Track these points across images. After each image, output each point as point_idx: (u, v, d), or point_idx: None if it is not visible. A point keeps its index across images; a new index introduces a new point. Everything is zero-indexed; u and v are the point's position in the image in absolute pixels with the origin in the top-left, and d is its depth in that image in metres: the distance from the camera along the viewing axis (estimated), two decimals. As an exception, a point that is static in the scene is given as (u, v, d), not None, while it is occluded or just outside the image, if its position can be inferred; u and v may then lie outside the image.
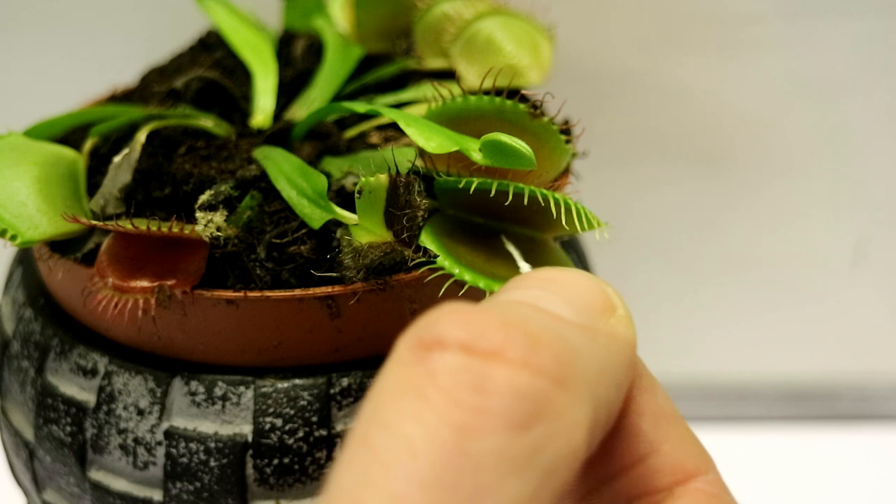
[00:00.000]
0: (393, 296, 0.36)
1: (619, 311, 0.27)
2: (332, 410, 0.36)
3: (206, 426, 0.37)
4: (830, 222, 0.66)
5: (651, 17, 0.62)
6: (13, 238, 0.37)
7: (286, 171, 0.38)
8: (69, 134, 0.43)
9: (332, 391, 0.36)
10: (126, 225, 0.35)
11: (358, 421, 0.23)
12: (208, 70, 0.47)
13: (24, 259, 0.44)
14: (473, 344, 0.23)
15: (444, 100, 0.37)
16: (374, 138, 0.44)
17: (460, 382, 0.22)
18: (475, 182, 0.33)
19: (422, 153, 0.36)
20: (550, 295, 0.26)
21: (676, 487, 0.27)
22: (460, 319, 0.23)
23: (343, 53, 0.48)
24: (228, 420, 0.36)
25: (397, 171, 0.34)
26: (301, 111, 0.45)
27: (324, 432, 0.36)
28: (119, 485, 0.38)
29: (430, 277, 0.34)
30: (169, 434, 0.37)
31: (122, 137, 0.42)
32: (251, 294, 0.35)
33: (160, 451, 0.37)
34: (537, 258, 0.36)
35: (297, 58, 0.50)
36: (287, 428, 0.36)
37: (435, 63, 0.47)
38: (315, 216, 0.36)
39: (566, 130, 0.37)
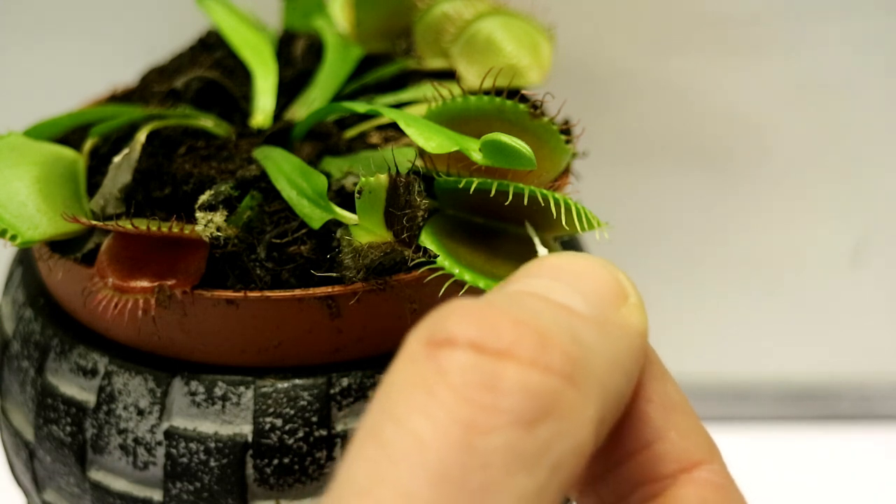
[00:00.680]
0: (393, 296, 0.36)
1: (631, 299, 0.27)
2: (332, 410, 0.36)
3: (206, 426, 0.37)
4: (830, 222, 0.66)
5: (651, 18, 0.62)
6: (13, 238, 0.37)
7: (286, 171, 0.38)
8: (69, 134, 0.43)
9: (332, 391, 0.36)
10: (126, 225, 0.35)
11: (367, 415, 0.23)
12: (208, 70, 0.47)
13: (24, 259, 0.44)
14: (484, 342, 0.23)
15: (444, 100, 0.37)
16: (374, 138, 0.44)
17: (470, 380, 0.23)
18: (475, 182, 0.33)
19: (422, 153, 0.36)
20: (562, 285, 0.26)
21: (681, 475, 0.27)
22: (471, 317, 0.24)
23: (343, 53, 0.48)
24: (228, 420, 0.36)
25: (397, 171, 0.34)
26: (301, 111, 0.45)
27: (324, 432, 0.36)
28: (119, 485, 0.38)
29: (430, 277, 0.34)
30: (169, 434, 0.37)
31: (122, 137, 0.42)
32: (251, 294, 0.35)
33: (160, 451, 0.37)
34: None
35: (297, 58, 0.50)
36: (287, 428, 0.36)
37: (435, 63, 0.47)
38: (315, 216, 0.36)
39: (566, 130, 0.37)
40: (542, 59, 0.45)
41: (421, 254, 0.34)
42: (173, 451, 0.37)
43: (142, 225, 0.35)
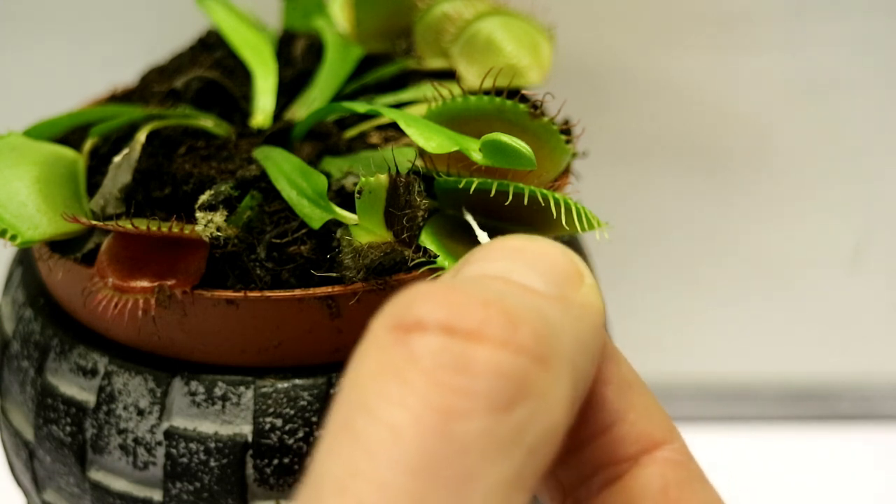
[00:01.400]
0: (393, 296, 0.36)
1: (587, 280, 0.26)
2: (332, 410, 0.36)
3: (206, 426, 0.37)
4: (830, 222, 0.66)
5: (651, 17, 0.62)
6: (13, 238, 0.37)
7: (286, 171, 0.38)
8: (69, 134, 0.43)
9: (332, 391, 0.36)
10: (126, 225, 0.35)
11: (337, 406, 0.23)
12: (208, 70, 0.47)
13: (24, 259, 0.44)
14: (454, 324, 0.23)
15: (444, 100, 0.37)
16: (374, 138, 0.44)
17: (442, 364, 0.22)
18: (475, 182, 0.33)
19: (422, 153, 0.36)
20: (521, 266, 0.25)
21: (642, 456, 0.27)
22: (439, 300, 0.23)
23: (343, 53, 0.48)
24: (228, 420, 0.36)
25: (397, 171, 0.34)
26: (301, 111, 0.45)
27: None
28: (119, 485, 0.38)
29: (430, 278, 0.34)
30: (169, 434, 0.37)
31: (122, 137, 0.42)
32: (251, 294, 0.35)
33: (160, 452, 0.37)
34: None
35: (297, 58, 0.50)
36: (287, 428, 0.36)
37: (435, 63, 0.47)
38: (315, 216, 0.36)
39: (566, 130, 0.37)
40: (542, 59, 0.45)
41: (421, 254, 0.34)
42: (173, 451, 0.37)
43: (142, 225, 0.35)
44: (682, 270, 0.67)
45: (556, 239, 0.37)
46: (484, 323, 0.23)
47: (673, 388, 0.68)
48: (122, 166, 0.39)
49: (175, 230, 0.35)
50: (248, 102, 0.46)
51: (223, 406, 0.37)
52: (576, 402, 0.25)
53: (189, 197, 0.39)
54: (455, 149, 0.34)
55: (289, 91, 0.48)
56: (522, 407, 0.22)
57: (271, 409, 0.36)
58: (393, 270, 0.36)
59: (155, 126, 0.41)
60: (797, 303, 0.68)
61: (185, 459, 0.37)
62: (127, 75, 0.51)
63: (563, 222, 0.33)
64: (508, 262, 0.26)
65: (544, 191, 0.33)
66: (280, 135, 0.43)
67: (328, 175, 0.39)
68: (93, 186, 0.40)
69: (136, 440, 0.37)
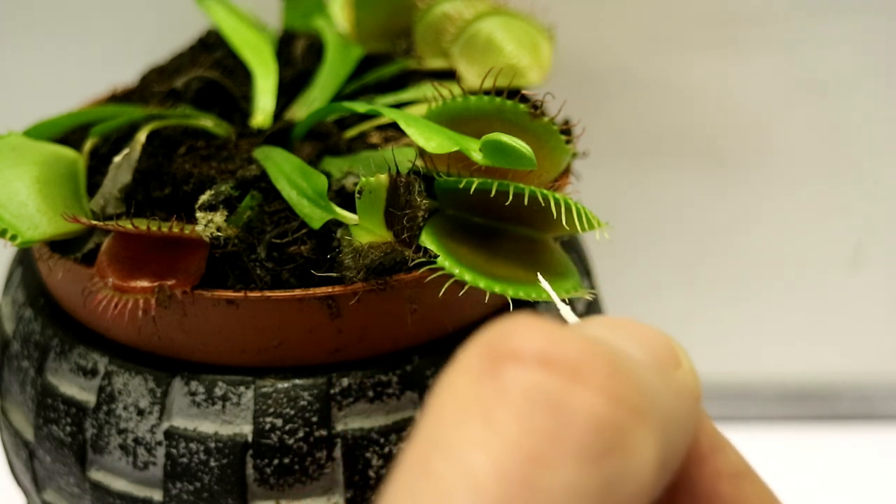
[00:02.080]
0: (393, 296, 0.36)
1: (685, 365, 0.25)
2: (332, 410, 0.36)
3: (206, 426, 0.37)
4: (830, 222, 0.66)
5: (651, 17, 0.62)
6: (13, 238, 0.37)
7: (286, 171, 0.38)
8: (69, 134, 0.43)
9: (332, 391, 0.36)
10: (126, 225, 0.35)
11: (416, 439, 0.21)
12: (208, 70, 0.47)
13: (24, 259, 0.44)
14: (553, 359, 0.21)
15: (445, 100, 0.37)
16: (375, 138, 0.44)
17: (535, 403, 0.20)
18: (475, 182, 0.33)
19: (422, 153, 0.36)
20: (622, 337, 0.24)
21: None
22: (540, 332, 0.21)
23: (343, 53, 0.48)
24: (228, 420, 0.36)
25: (397, 171, 0.34)
26: (301, 111, 0.45)
27: (324, 432, 0.36)
28: (119, 485, 0.38)
29: (430, 277, 0.34)
30: (169, 434, 0.37)
31: (122, 137, 0.42)
32: (251, 294, 0.35)
33: (160, 452, 0.37)
34: (537, 258, 0.36)
35: (297, 58, 0.50)
36: (287, 428, 0.36)
37: (435, 63, 0.47)
38: (315, 216, 0.36)
39: (566, 130, 0.37)
40: (542, 59, 0.45)
41: (421, 254, 0.34)
42: (173, 451, 0.37)
43: (142, 225, 0.35)
44: (682, 270, 0.67)
45: (556, 239, 0.37)
46: (586, 364, 0.21)
47: (673, 388, 0.68)
48: (122, 166, 0.39)
49: (175, 230, 0.35)
50: (248, 102, 0.46)
51: (223, 406, 0.37)
52: (664, 471, 0.23)
53: (189, 197, 0.39)
54: (455, 149, 0.34)
55: (289, 91, 0.48)
56: (613, 461, 0.21)
57: (271, 409, 0.36)
58: (393, 270, 0.36)
59: (155, 126, 0.41)
60: (797, 303, 0.68)
61: (185, 459, 0.37)
62: (127, 75, 0.51)
63: (564, 222, 0.33)
64: (608, 329, 0.24)
65: (544, 191, 0.33)
66: (280, 135, 0.43)
67: (328, 175, 0.39)
68: (93, 186, 0.40)
69: (136, 440, 0.37)
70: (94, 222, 0.36)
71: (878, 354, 0.69)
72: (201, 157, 0.41)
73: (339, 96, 0.46)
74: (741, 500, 0.26)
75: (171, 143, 0.42)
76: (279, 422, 0.36)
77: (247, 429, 0.36)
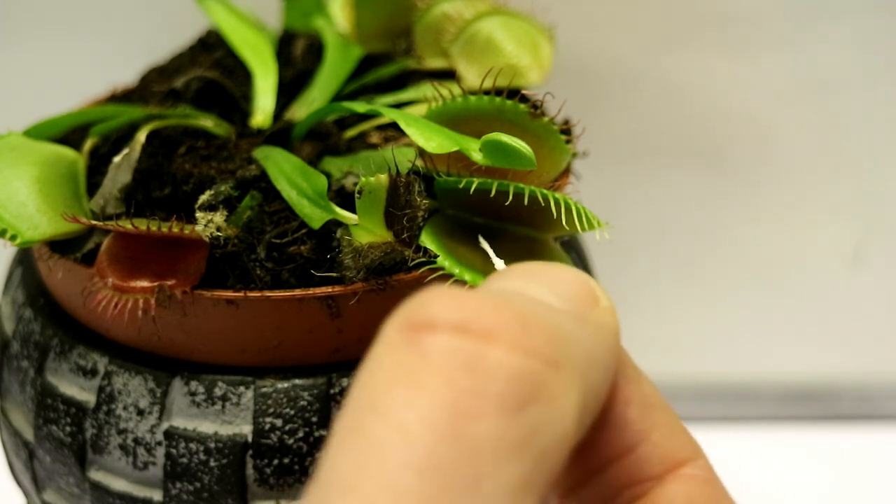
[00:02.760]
0: (393, 296, 0.36)
1: (602, 303, 0.27)
2: (332, 410, 0.36)
3: (206, 426, 0.37)
4: (830, 222, 0.66)
5: (651, 17, 0.62)
6: (13, 238, 0.37)
7: (286, 171, 0.38)
8: (69, 134, 0.43)
9: (332, 391, 0.36)
10: (126, 225, 0.35)
11: (346, 408, 0.23)
12: (208, 70, 0.47)
13: (24, 259, 0.44)
14: (466, 325, 0.23)
15: (444, 100, 0.37)
16: (374, 138, 0.44)
17: (454, 364, 0.22)
18: (475, 182, 0.33)
19: (422, 153, 0.36)
20: (536, 285, 0.26)
21: (667, 475, 0.27)
22: (451, 302, 0.23)
23: (343, 53, 0.48)
24: (228, 420, 0.36)
25: (397, 171, 0.34)
26: (301, 111, 0.45)
27: (324, 432, 0.36)
28: (119, 485, 0.38)
29: (430, 277, 0.34)
30: (169, 434, 0.37)
31: (122, 137, 0.42)
32: (251, 294, 0.35)
33: (160, 452, 0.37)
34: (537, 258, 0.36)
35: (297, 58, 0.50)
36: (287, 428, 0.36)
37: (435, 63, 0.47)
38: (315, 216, 0.36)
39: (566, 130, 0.37)
40: (542, 59, 0.45)
41: (421, 254, 0.34)
42: (173, 451, 0.37)
43: (142, 225, 0.35)
44: (682, 270, 0.67)
45: (557, 239, 0.37)
46: (497, 324, 0.23)
47: (673, 388, 0.68)
48: (122, 166, 0.39)
49: (175, 230, 0.35)
50: (248, 102, 0.46)
51: (223, 406, 0.37)
52: (586, 413, 0.25)
53: (189, 197, 0.39)
54: (455, 149, 0.34)
55: (289, 91, 0.48)
56: (534, 409, 0.22)
57: (271, 409, 0.36)
58: (393, 270, 0.36)
59: (155, 126, 0.41)
60: (797, 303, 0.68)
61: (184, 459, 0.37)
62: (127, 75, 0.51)
63: (563, 222, 0.33)
64: (524, 281, 0.26)
65: (544, 191, 0.33)
66: (280, 135, 0.43)
67: (328, 175, 0.39)
68: (93, 186, 0.40)
69: (136, 440, 0.37)
70: (94, 222, 0.36)
71: (878, 354, 0.69)
72: (201, 157, 0.41)
73: (339, 96, 0.46)
74: (647, 426, 0.27)
75: (171, 143, 0.42)
76: (279, 422, 0.36)
77: (247, 429, 0.36)
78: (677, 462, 0.27)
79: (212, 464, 0.36)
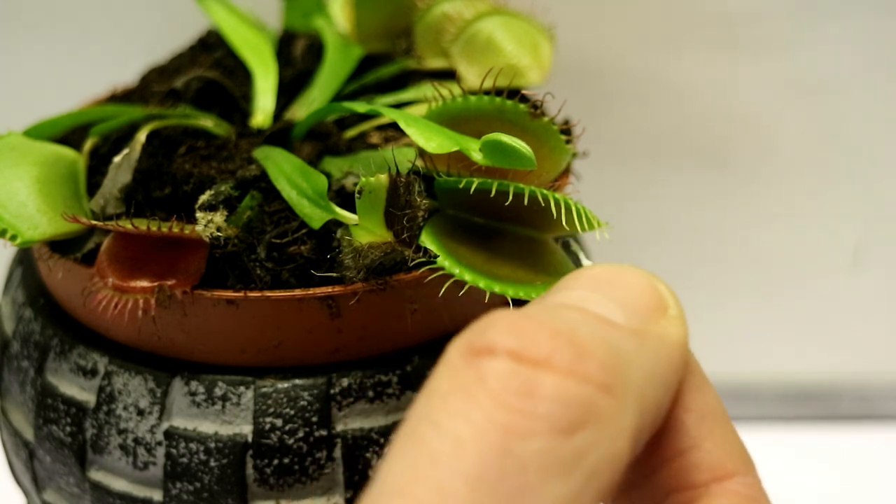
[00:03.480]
0: (393, 296, 0.36)
1: (671, 311, 0.27)
2: (332, 410, 0.36)
3: (206, 426, 0.37)
4: (830, 222, 0.66)
5: (651, 17, 0.62)
6: (13, 238, 0.37)
7: (286, 171, 0.38)
8: (69, 134, 0.43)
9: (332, 391, 0.36)
10: (126, 225, 0.35)
11: (406, 421, 0.24)
12: (208, 70, 0.47)
13: (24, 259, 0.44)
14: (522, 352, 0.24)
15: (445, 100, 0.37)
16: (375, 138, 0.44)
17: (508, 386, 0.23)
18: (475, 182, 0.33)
19: (422, 153, 0.36)
20: (600, 296, 0.26)
21: (713, 485, 0.27)
22: (510, 327, 0.24)
23: (343, 53, 0.48)
24: (228, 420, 0.36)
25: (397, 171, 0.34)
26: (301, 111, 0.45)
27: (324, 432, 0.36)
28: (119, 485, 0.38)
29: (430, 277, 0.34)
30: (169, 434, 0.37)
31: (122, 137, 0.42)
32: (251, 294, 0.35)
33: (160, 452, 0.37)
34: (537, 258, 0.36)
35: (297, 58, 0.50)
36: (287, 428, 0.36)
37: (435, 63, 0.47)
38: (315, 216, 0.36)
39: (566, 130, 0.37)
40: (543, 59, 0.45)
41: (421, 254, 0.34)
42: (173, 451, 0.37)
43: (142, 225, 0.35)
44: (681, 270, 0.67)
45: (557, 239, 0.37)
46: (551, 352, 0.24)
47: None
48: (122, 166, 0.39)
49: (175, 230, 0.35)
50: (248, 102, 0.46)
51: (223, 406, 0.37)
52: (642, 431, 0.25)
53: (189, 197, 0.39)
54: (455, 149, 0.34)
55: (289, 91, 0.48)
56: (584, 432, 0.23)
57: (271, 409, 0.36)
58: (393, 270, 0.36)
59: (155, 126, 0.41)
60: (797, 303, 0.68)
61: (185, 459, 0.37)
62: (127, 75, 0.51)
63: (564, 222, 0.33)
64: (589, 291, 0.27)
65: (544, 191, 0.33)
66: (280, 135, 0.43)
67: (328, 175, 0.39)
68: (93, 186, 0.40)
69: (136, 440, 0.37)
70: (94, 222, 0.36)
71: (878, 354, 0.69)
72: (201, 157, 0.41)
73: (339, 96, 0.46)
74: (703, 434, 0.27)
75: (171, 143, 0.42)
76: (279, 422, 0.36)
77: (247, 429, 0.36)
78: (725, 473, 0.27)
79: (212, 464, 0.36)
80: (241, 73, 0.48)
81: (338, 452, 0.36)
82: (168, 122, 0.42)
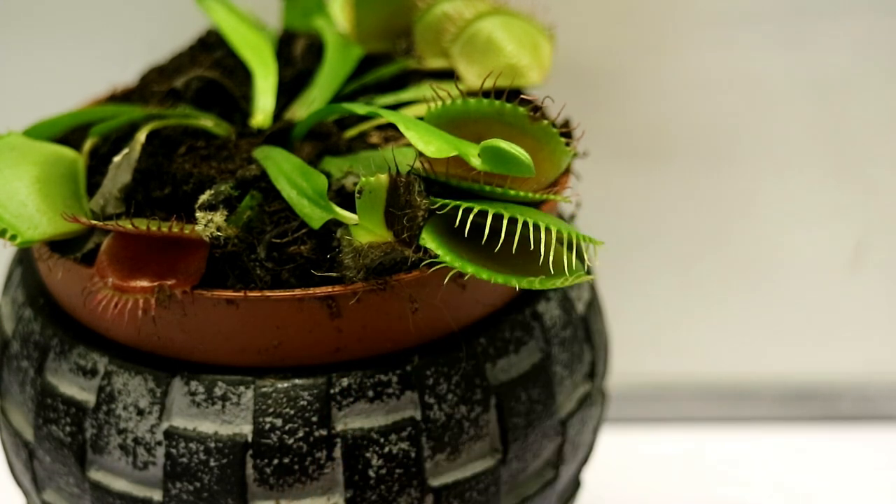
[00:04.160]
0: (393, 296, 0.36)
1: None
2: (332, 410, 0.36)
3: (206, 426, 0.37)
4: (830, 222, 0.66)
5: (651, 17, 0.62)
6: (13, 238, 0.37)
7: (286, 171, 0.38)
8: (69, 134, 0.43)
9: (332, 391, 0.36)
10: (126, 225, 0.35)
11: None
12: (208, 70, 0.47)
13: (24, 259, 0.44)
14: None
15: (444, 102, 0.37)
16: (375, 138, 0.44)
17: None
18: (474, 209, 0.33)
19: (421, 156, 0.36)
20: None
21: None
22: None
23: (343, 53, 0.48)
24: (228, 420, 0.36)
25: (397, 171, 0.34)
26: (301, 111, 0.45)
27: (324, 432, 0.36)
28: (119, 485, 0.38)
29: (433, 269, 0.34)
30: (169, 434, 0.37)
31: (122, 137, 0.42)
32: (251, 294, 0.35)
33: (160, 451, 0.37)
34: (537, 257, 0.36)
35: (297, 58, 0.50)
36: (287, 428, 0.36)
37: (435, 63, 0.47)
38: (315, 216, 0.36)
39: (566, 132, 0.37)
40: (543, 59, 0.45)
41: (421, 253, 0.34)
42: (173, 451, 0.37)
43: (142, 225, 0.35)
44: (682, 270, 0.67)
45: (557, 240, 0.37)
46: None
47: (673, 388, 0.68)
48: (122, 166, 0.39)
49: (175, 230, 0.35)
50: (248, 102, 0.46)
51: (223, 406, 0.37)
52: None
53: (189, 197, 0.39)
54: (454, 153, 0.34)
55: (289, 91, 0.48)
56: None
57: (271, 409, 0.36)
58: (393, 270, 0.36)
59: (155, 126, 0.41)
60: (797, 303, 0.68)
61: (184, 459, 0.37)
62: (127, 75, 0.51)
63: (550, 265, 0.33)
64: None
65: (538, 221, 0.33)
66: (280, 135, 0.43)
67: (328, 175, 0.39)
68: (93, 186, 0.40)
69: (135, 440, 0.37)
70: (94, 222, 0.36)
71: (879, 354, 0.69)
72: (201, 157, 0.41)
73: (339, 96, 0.46)
74: None
75: (171, 142, 0.42)
76: (279, 422, 0.36)
77: (247, 429, 0.36)
78: None
79: (212, 463, 0.36)
80: (241, 73, 0.48)
81: (338, 452, 0.36)
82: (168, 122, 0.42)
